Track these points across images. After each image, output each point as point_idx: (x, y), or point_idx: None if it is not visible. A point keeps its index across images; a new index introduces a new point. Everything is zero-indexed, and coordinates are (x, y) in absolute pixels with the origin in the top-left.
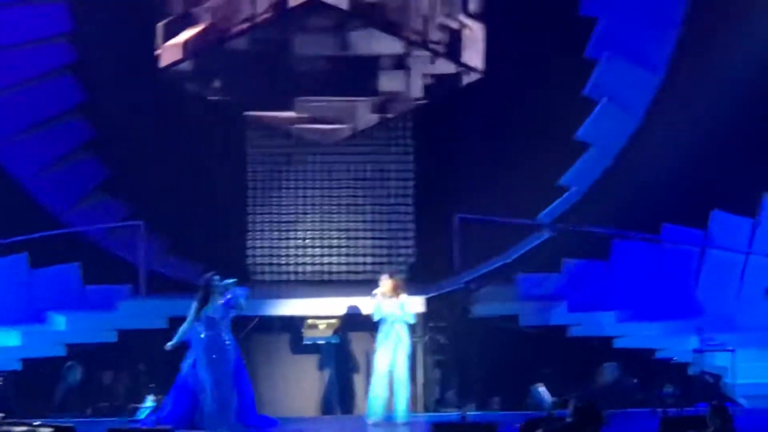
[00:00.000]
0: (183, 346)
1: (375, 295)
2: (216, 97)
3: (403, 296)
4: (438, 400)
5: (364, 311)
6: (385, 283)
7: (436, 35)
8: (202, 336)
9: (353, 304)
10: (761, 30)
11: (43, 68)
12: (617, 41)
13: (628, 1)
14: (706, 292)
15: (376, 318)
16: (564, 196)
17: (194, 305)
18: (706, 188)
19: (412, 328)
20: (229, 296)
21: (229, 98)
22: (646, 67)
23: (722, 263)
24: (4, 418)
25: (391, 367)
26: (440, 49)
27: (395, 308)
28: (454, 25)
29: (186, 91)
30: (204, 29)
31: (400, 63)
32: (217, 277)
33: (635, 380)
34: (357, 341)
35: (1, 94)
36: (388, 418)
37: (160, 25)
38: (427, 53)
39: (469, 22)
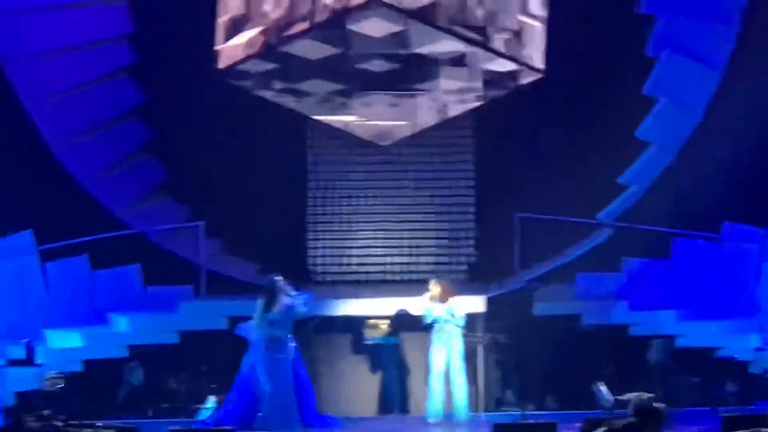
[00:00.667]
0: (244, 347)
1: (424, 298)
2: (276, 98)
3: (453, 300)
4: (498, 399)
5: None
6: (434, 287)
7: (496, 34)
8: (265, 337)
9: (413, 304)
10: None
11: (104, 70)
12: (677, 39)
13: None
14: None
15: (427, 321)
16: (624, 194)
17: (259, 306)
18: (767, 186)
19: (471, 328)
20: (292, 299)
21: (289, 99)
22: (707, 65)
23: None
24: (67, 420)
25: (447, 368)
26: (500, 48)
27: (444, 312)
28: (515, 24)
29: (245, 91)
30: (264, 30)
31: (460, 62)
32: (280, 279)
33: (696, 379)
34: (417, 341)
35: (62, 96)
36: (449, 417)
37: (219, 25)
38: (488, 52)
39: (529, 20)
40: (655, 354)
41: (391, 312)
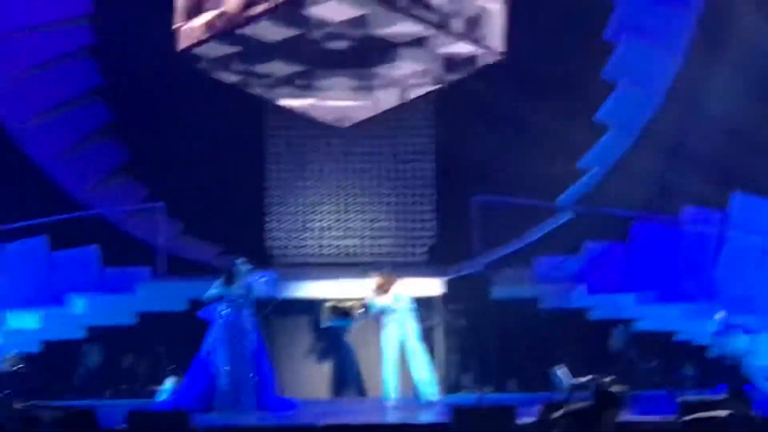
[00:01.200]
0: (202, 328)
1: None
2: (235, 80)
3: (396, 287)
4: (456, 382)
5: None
6: (374, 279)
7: (455, 17)
8: (223, 318)
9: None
10: None
11: (62, 51)
12: (636, 23)
13: None
14: (726, 275)
15: (372, 312)
16: (584, 178)
17: (218, 283)
18: (727, 170)
19: (427, 311)
20: (252, 279)
21: (248, 81)
22: (665, 49)
23: (742, 246)
24: (25, 402)
25: (401, 353)
26: (459, 30)
27: (389, 301)
28: (474, 6)
29: (204, 73)
30: (223, 11)
31: (419, 44)
32: (240, 260)
33: (654, 362)
34: (375, 323)
35: (20, 77)
36: (409, 400)
37: (178, 6)
38: (447, 35)
39: (488, 4)
40: (616, 340)
41: (351, 294)
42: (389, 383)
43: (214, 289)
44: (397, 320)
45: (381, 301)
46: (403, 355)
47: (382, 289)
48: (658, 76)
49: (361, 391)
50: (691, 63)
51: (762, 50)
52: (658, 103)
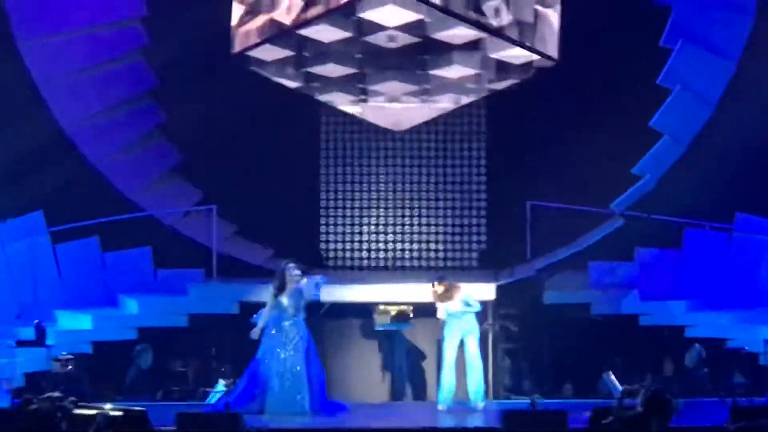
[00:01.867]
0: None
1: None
2: (290, 83)
3: (462, 292)
4: (508, 387)
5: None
6: (436, 291)
7: (510, 23)
8: (276, 322)
9: (425, 290)
10: None
11: (118, 52)
12: (691, 30)
13: None
14: None
15: (446, 317)
16: (637, 184)
17: (271, 291)
18: None
19: (482, 315)
20: (304, 283)
21: (303, 83)
22: (720, 56)
23: None
24: (76, 402)
25: (464, 355)
26: (515, 36)
27: (459, 306)
28: (530, 12)
29: (259, 76)
30: (278, 14)
31: (474, 48)
32: (292, 265)
33: (706, 369)
34: (428, 328)
35: (75, 78)
36: (460, 405)
37: (235, 9)
38: (502, 41)
39: (543, 9)
40: (691, 359)
41: (403, 298)
42: (445, 387)
43: (267, 297)
44: (461, 324)
45: (452, 306)
46: (459, 361)
47: (447, 296)
48: (712, 83)
49: (416, 396)
50: (745, 70)
51: None
52: (712, 109)
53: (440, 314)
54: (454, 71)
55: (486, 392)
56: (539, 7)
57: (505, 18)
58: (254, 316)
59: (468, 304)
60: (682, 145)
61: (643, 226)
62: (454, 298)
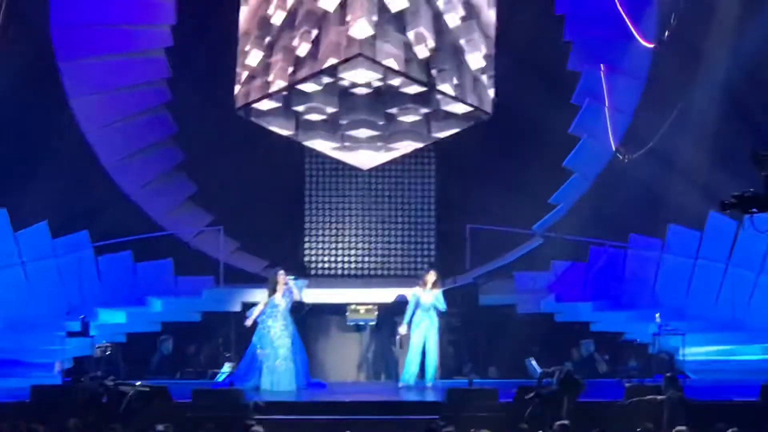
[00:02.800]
0: (253, 325)
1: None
2: (282, 130)
3: (438, 289)
4: (450, 370)
5: (394, 299)
6: (430, 276)
7: (454, 84)
8: (268, 317)
9: (387, 293)
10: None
11: (146, 106)
12: (595, 90)
13: (603, 58)
14: (663, 289)
15: (412, 302)
16: (553, 211)
17: (266, 292)
18: (665, 206)
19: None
20: (292, 285)
21: (292, 131)
22: (618, 111)
23: (676, 266)
24: (114, 380)
25: (425, 343)
26: (457, 94)
27: (431, 298)
28: (470, 76)
29: (256, 124)
30: (273, 78)
31: (427, 103)
32: (282, 272)
33: (606, 356)
34: (390, 323)
35: (113, 126)
36: (416, 384)
37: (238, 73)
38: (447, 96)
39: (481, 75)
40: (584, 349)
41: (369, 299)
42: (411, 369)
43: (261, 297)
44: (428, 316)
45: (425, 297)
46: (425, 347)
47: (432, 286)
48: (611, 131)
49: (378, 376)
50: (637, 121)
51: (695, 112)
52: (611, 153)
53: (426, 299)
54: (409, 120)
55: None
56: (477, 73)
57: (451, 81)
58: (248, 311)
59: (439, 301)
60: (588, 180)
61: (557, 244)
62: (434, 291)
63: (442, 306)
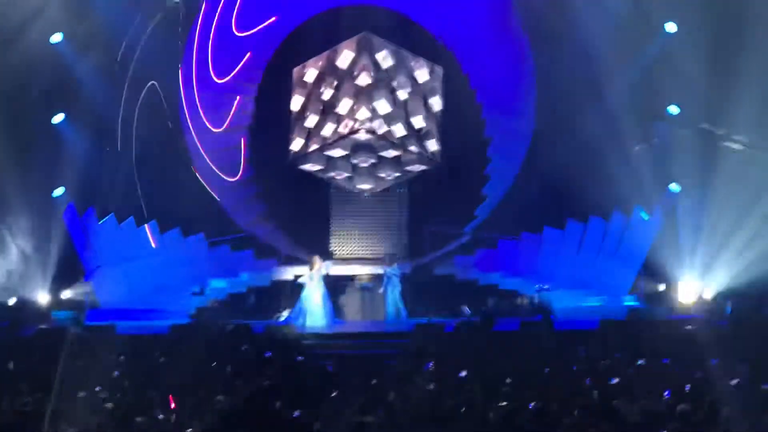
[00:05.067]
0: (300, 286)
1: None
2: (316, 171)
3: (394, 266)
4: (415, 313)
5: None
6: (389, 263)
7: (413, 138)
8: (309, 283)
9: (378, 269)
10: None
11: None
12: (503, 129)
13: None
14: (542, 264)
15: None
16: (475, 219)
17: (308, 269)
18: (547, 209)
19: (400, 279)
20: (324, 264)
21: (323, 170)
22: (517, 142)
23: (551, 251)
24: (222, 322)
25: (394, 298)
26: (414, 146)
27: (396, 270)
28: (420, 133)
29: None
30: (317, 138)
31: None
32: (317, 256)
33: (507, 304)
34: (378, 286)
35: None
36: (395, 321)
37: (293, 135)
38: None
39: (430, 127)
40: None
41: (368, 272)
42: (390, 313)
43: (306, 271)
44: (394, 280)
45: (389, 271)
46: (395, 300)
47: (389, 264)
48: (515, 157)
49: (375, 316)
50: (532, 152)
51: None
52: (515, 175)
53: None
54: (388, 164)
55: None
56: (428, 125)
57: (410, 137)
58: (297, 279)
59: (397, 270)
60: (496, 200)
61: (478, 239)
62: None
63: (397, 273)
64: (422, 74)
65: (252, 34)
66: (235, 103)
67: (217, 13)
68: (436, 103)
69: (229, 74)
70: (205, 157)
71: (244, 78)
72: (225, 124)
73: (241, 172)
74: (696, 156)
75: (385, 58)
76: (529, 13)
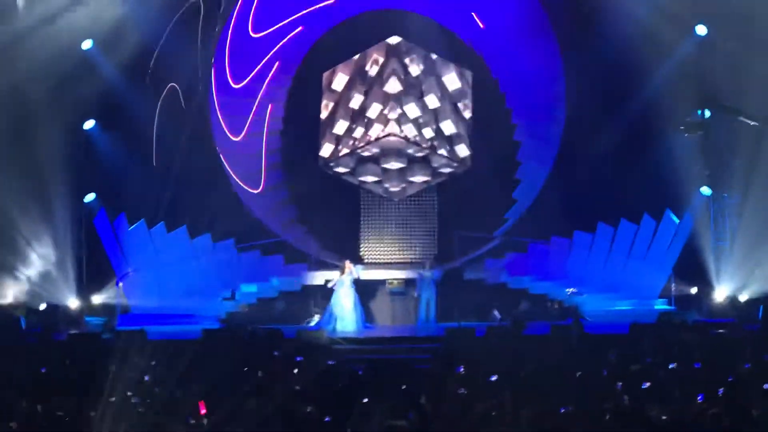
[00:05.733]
0: (330, 291)
1: (421, 272)
2: (345, 174)
3: (433, 270)
4: (446, 317)
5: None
6: (429, 267)
7: (443, 141)
8: (339, 287)
9: (408, 273)
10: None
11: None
12: (533, 133)
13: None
14: (571, 268)
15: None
16: (506, 223)
17: (338, 273)
18: (576, 215)
19: (436, 282)
20: (354, 268)
21: (351, 175)
22: (546, 147)
23: (580, 256)
24: (252, 326)
25: (427, 302)
26: (444, 150)
27: (431, 275)
28: (450, 138)
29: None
30: (344, 145)
31: (426, 159)
32: (347, 261)
33: (535, 308)
34: (412, 291)
35: (255, 176)
36: (425, 326)
37: (323, 141)
38: (439, 154)
39: (460, 131)
40: (523, 305)
41: (399, 276)
42: (421, 317)
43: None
44: (429, 285)
45: (425, 275)
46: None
47: (430, 268)
48: (545, 161)
49: (407, 321)
50: (561, 159)
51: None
52: (545, 179)
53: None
54: (417, 169)
55: (437, 320)
56: (459, 130)
57: (439, 142)
58: (328, 283)
59: (434, 276)
60: (527, 204)
61: (509, 243)
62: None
63: (435, 279)
64: (451, 79)
65: (281, 39)
66: (268, 109)
67: (249, 17)
68: (466, 108)
69: (259, 80)
70: (233, 163)
71: (275, 83)
72: (254, 130)
73: (266, 177)
74: (733, 157)
75: (413, 64)
76: (558, 16)
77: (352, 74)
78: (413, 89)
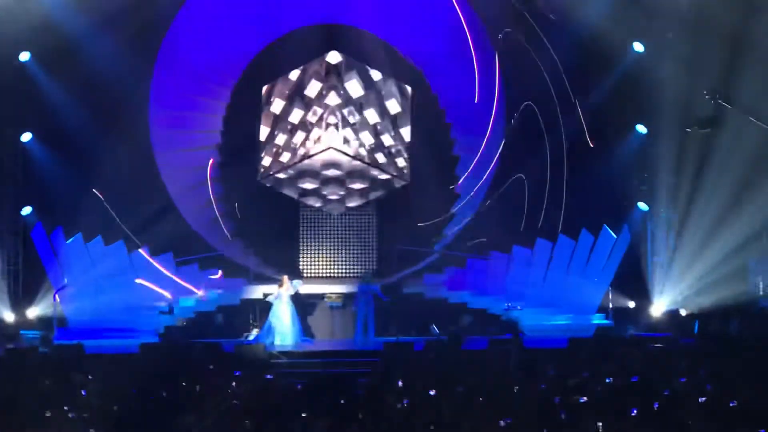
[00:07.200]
0: (269, 305)
1: (360, 286)
2: (287, 192)
3: (371, 282)
4: (383, 331)
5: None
6: (369, 279)
7: (387, 161)
8: (279, 298)
9: (347, 287)
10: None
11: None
12: (472, 148)
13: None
14: (510, 283)
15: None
16: (446, 237)
17: (277, 287)
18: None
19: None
20: (294, 282)
21: (292, 190)
22: (485, 161)
23: (518, 270)
24: (191, 340)
25: (365, 316)
26: (385, 165)
27: (371, 288)
28: (393, 149)
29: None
30: (280, 160)
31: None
32: (286, 276)
33: (474, 322)
34: (348, 304)
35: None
36: (363, 339)
37: (262, 155)
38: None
39: (399, 146)
40: (464, 320)
41: (337, 290)
42: (360, 332)
43: (275, 289)
44: (365, 303)
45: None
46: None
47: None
48: (483, 176)
49: (343, 335)
50: (503, 168)
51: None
52: (483, 194)
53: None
54: (356, 183)
55: (375, 334)
56: (397, 146)
57: (384, 157)
58: (267, 297)
59: (376, 291)
60: (466, 219)
61: (448, 257)
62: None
63: (376, 294)
64: (391, 94)
65: (221, 53)
66: (206, 123)
67: (188, 31)
68: (405, 122)
69: (198, 93)
70: (174, 175)
71: (214, 97)
72: (193, 144)
73: (205, 191)
74: (670, 173)
75: (353, 81)
76: (497, 32)
77: (291, 88)
78: (352, 103)
